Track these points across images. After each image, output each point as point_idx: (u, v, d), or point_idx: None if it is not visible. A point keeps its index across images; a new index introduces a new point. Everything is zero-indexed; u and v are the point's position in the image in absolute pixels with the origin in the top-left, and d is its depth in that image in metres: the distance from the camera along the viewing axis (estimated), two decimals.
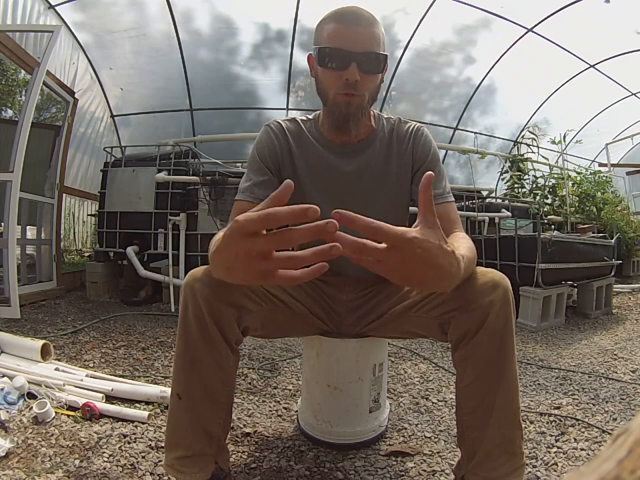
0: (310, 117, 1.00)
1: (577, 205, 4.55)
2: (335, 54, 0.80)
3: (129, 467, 0.97)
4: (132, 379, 1.48)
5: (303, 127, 0.97)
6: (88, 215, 4.54)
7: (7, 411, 1.16)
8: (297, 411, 1.26)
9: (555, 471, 1.00)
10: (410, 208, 1.02)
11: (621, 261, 3.29)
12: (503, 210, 3.90)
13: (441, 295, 0.80)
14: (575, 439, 1.14)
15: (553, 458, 1.05)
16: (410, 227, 0.55)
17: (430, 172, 0.55)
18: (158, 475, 0.94)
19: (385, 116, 0.99)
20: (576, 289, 2.95)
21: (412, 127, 0.97)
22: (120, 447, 1.05)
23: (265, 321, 0.86)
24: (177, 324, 0.78)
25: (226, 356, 0.77)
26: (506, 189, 5.14)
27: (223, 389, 0.79)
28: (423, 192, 0.55)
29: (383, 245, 0.52)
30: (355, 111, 0.85)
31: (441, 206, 0.88)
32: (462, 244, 0.73)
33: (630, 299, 3.34)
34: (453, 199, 0.92)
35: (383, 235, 0.51)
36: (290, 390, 1.50)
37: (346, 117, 0.85)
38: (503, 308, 0.73)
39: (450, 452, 1.09)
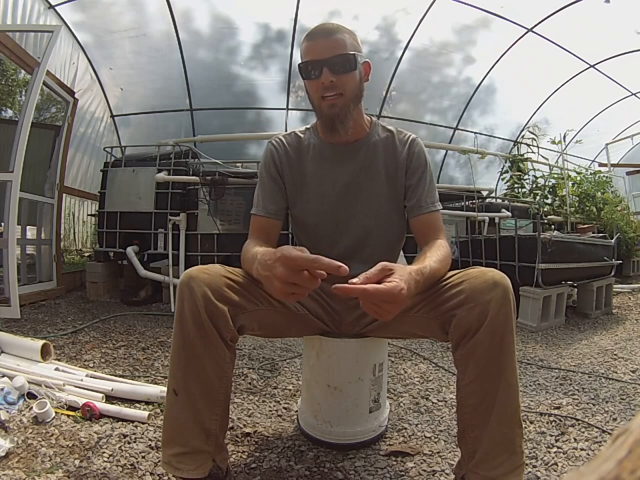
0: (308, 126, 1.09)
1: (577, 204, 4.54)
2: (309, 65, 0.92)
3: (129, 467, 0.97)
4: (132, 379, 1.48)
5: (301, 137, 1.07)
6: (88, 215, 4.54)
7: (7, 411, 1.16)
8: (297, 411, 1.26)
9: (555, 471, 1.00)
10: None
11: (620, 261, 3.28)
12: (503, 210, 3.89)
13: (440, 296, 0.82)
14: (575, 439, 1.14)
15: (553, 458, 1.05)
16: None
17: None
18: (158, 474, 0.94)
19: (382, 124, 1.07)
20: (576, 289, 2.94)
21: (409, 136, 1.05)
22: (120, 446, 1.05)
23: (263, 321, 0.88)
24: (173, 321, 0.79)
25: (222, 352, 0.79)
26: (506, 189, 5.13)
27: (220, 385, 0.80)
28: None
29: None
30: (339, 112, 0.93)
31: (429, 215, 0.99)
32: (434, 254, 0.86)
33: (630, 298, 3.33)
34: (440, 208, 1.01)
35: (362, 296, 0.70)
36: (290, 390, 1.50)
37: (331, 118, 0.94)
38: (503, 306, 0.74)
39: (450, 452, 1.09)
